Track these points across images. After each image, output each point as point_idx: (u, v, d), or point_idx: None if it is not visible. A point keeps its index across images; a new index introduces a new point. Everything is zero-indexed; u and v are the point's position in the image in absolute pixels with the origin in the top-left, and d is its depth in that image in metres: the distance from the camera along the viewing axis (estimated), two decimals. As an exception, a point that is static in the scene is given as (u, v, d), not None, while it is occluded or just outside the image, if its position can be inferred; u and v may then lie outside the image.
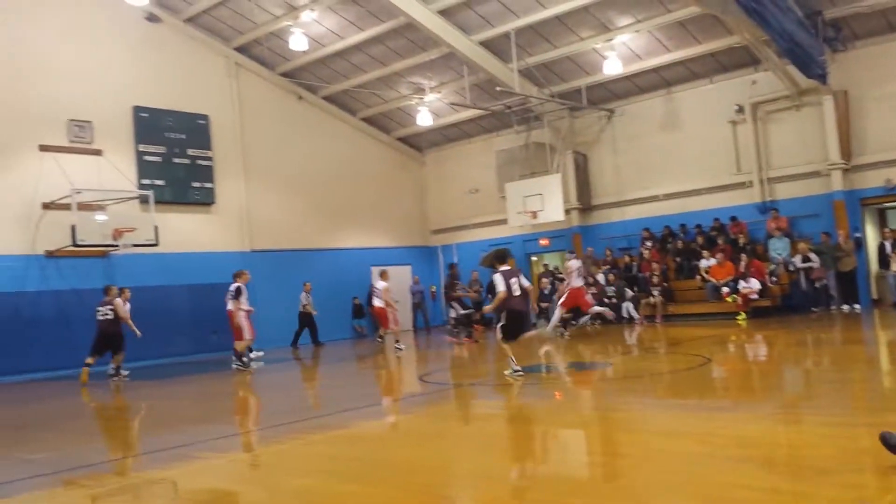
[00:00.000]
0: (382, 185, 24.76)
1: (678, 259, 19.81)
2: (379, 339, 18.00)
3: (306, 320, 20.22)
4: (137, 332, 14.52)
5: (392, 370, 13.98)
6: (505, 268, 10.59)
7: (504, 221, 22.45)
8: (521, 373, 9.81)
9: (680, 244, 19.93)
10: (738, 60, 19.04)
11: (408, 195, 25.77)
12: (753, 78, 19.03)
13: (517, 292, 10.15)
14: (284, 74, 22.40)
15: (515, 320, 10.21)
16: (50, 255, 17.29)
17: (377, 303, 16.75)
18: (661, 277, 18.96)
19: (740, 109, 19.18)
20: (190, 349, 17.44)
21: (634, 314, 18.90)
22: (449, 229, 25.56)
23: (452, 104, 22.44)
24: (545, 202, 20.64)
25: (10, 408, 12.02)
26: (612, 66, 19.13)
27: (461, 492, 4.91)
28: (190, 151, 20.03)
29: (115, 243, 16.94)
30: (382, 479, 5.21)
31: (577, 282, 15.95)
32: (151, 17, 19.76)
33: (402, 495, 4.72)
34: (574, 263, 16.36)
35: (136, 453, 7.37)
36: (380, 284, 16.55)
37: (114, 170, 18.12)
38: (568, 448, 6.27)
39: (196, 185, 20.11)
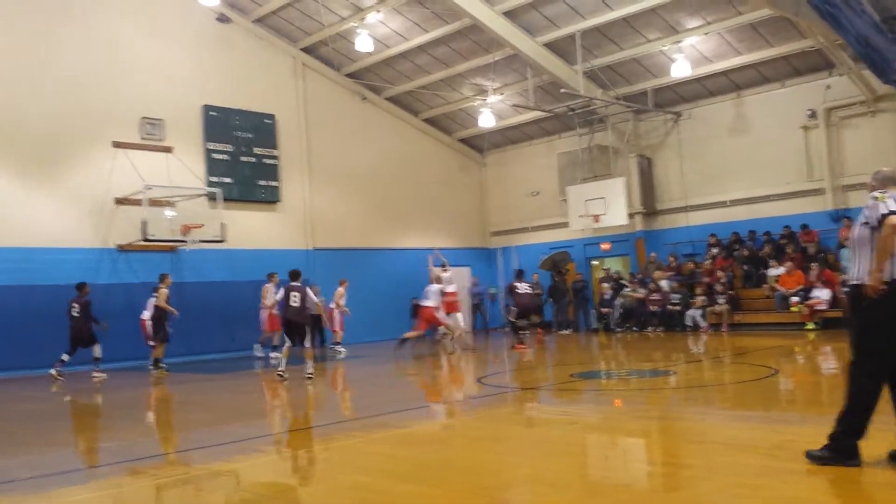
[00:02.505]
0: (443, 186, 24.82)
1: (745, 267, 19.34)
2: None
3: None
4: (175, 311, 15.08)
5: (450, 372, 13.99)
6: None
7: (565, 224, 22.29)
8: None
9: (747, 252, 19.44)
10: (811, 64, 18.50)
11: (468, 196, 25.77)
12: (827, 82, 18.45)
13: None
14: (349, 75, 22.65)
15: None
16: (121, 248, 17.83)
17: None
18: (727, 285, 18.54)
19: (813, 114, 18.63)
20: (253, 343, 17.71)
21: (700, 322, 18.55)
22: (509, 231, 25.47)
23: (515, 106, 22.35)
24: (607, 206, 20.42)
25: (82, 396, 12.40)
26: (680, 69, 18.79)
27: (519, 497, 4.87)
28: (256, 150, 20.42)
29: (183, 239, 17.38)
30: (439, 481, 5.20)
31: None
32: (222, 18, 20.21)
33: (459, 497, 4.71)
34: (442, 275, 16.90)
35: (199, 445, 7.52)
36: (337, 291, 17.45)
37: (183, 167, 18.60)
38: (629, 456, 6.16)
39: (262, 183, 20.49)
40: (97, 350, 14.60)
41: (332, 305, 17.55)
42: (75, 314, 14.49)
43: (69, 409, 10.96)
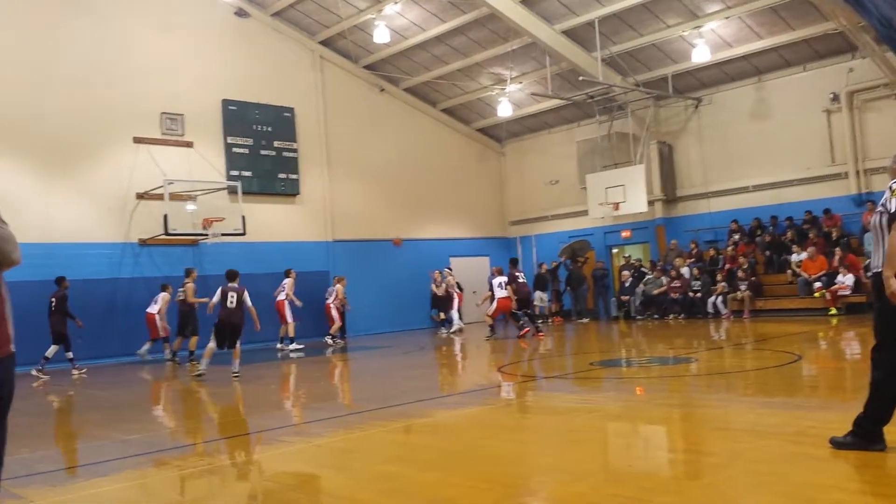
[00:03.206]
0: (462, 176, 24.81)
1: (767, 252, 19.18)
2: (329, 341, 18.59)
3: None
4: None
5: (470, 361, 14.02)
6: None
7: (584, 213, 22.20)
8: None
9: (769, 237, 19.28)
10: (833, 47, 18.26)
11: (487, 186, 25.74)
12: (850, 65, 18.22)
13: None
14: (367, 67, 22.66)
15: None
16: (143, 243, 18.02)
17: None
18: (748, 271, 18.41)
19: (835, 98, 18.40)
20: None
21: (721, 309, 18.45)
22: (528, 220, 25.42)
23: (533, 94, 22.26)
24: (627, 193, 20.31)
25: (108, 389, 12.57)
26: (701, 54, 18.61)
27: (544, 484, 4.88)
28: (276, 143, 20.52)
29: (204, 232, 17.52)
30: (462, 469, 5.23)
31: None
32: (240, 13, 20.29)
33: (482, 485, 4.73)
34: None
35: (223, 436, 7.61)
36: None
37: (204, 161, 18.74)
38: (650, 444, 6.16)
39: (282, 176, 20.60)
40: (51, 350, 14.46)
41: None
42: (53, 308, 14.55)
43: (91, 402, 11.11)
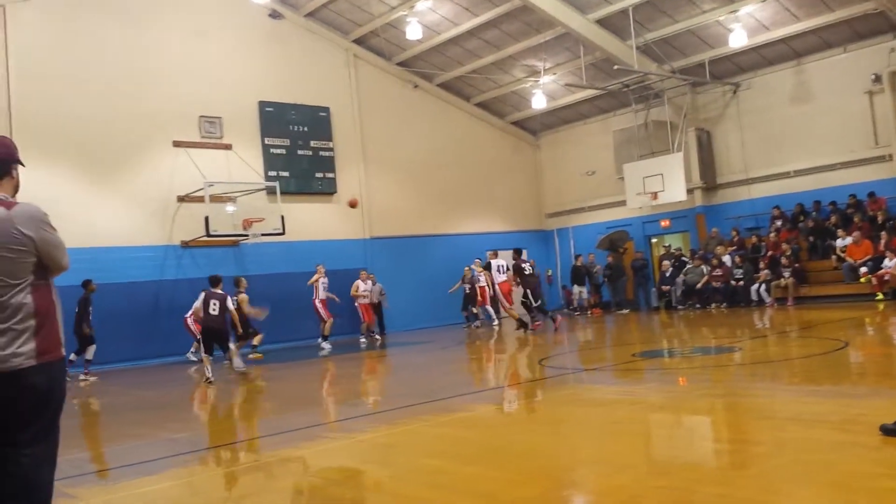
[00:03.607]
0: (497, 170, 24.75)
1: (811, 238, 18.82)
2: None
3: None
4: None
5: (510, 355, 14.00)
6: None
7: (622, 203, 22.01)
8: None
9: (812, 223, 18.91)
10: (874, 27, 17.83)
11: (522, 179, 25.65)
12: (891, 45, 17.77)
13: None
14: (400, 64, 22.72)
15: None
16: (185, 245, 18.32)
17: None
18: (792, 258, 18.09)
19: (877, 79, 17.97)
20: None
21: (765, 297, 18.17)
22: (564, 212, 25.28)
23: (568, 85, 22.11)
24: (666, 182, 20.10)
25: (154, 389, 12.82)
26: (738, 38, 18.30)
27: (585, 477, 4.87)
28: (312, 143, 20.70)
29: (244, 233, 17.75)
30: (506, 462, 5.24)
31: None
32: (274, 14, 20.48)
33: (525, 479, 4.73)
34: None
35: (267, 433, 7.71)
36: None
37: (242, 163, 18.97)
38: (694, 435, 6.09)
39: (318, 175, 20.77)
40: (90, 352, 14.35)
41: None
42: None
43: (138, 402, 11.33)
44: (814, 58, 19.25)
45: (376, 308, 19.69)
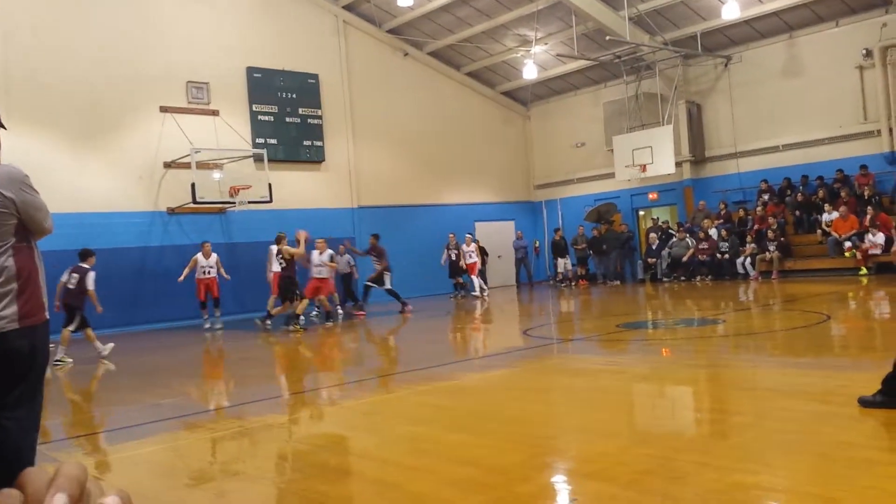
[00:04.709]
0: (487, 140, 24.66)
1: (797, 212, 18.91)
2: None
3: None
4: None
5: (495, 325, 14.07)
6: None
7: (611, 175, 21.99)
8: None
9: (799, 197, 18.99)
10: (866, 2, 17.77)
11: (512, 150, 25.57)
12: (883, 20, 17.72)
13: None
14: (391, 31, 22.49)
15: None
16: (171, 211, 18.19)
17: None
18: (778, 232, 18.19)
19: (868, 54, 17.94)
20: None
21: (750, 270, 18.29)
22: (553, 184, 25.26)
23: (559, 56, 21.97)
24: (655, 155, 20.08)
25: (139, 356, 12.81)
26: (730, 11, 18.19)
27: (569, 444, 4.92)
28: (301, 110, 20.50)
29: (231, 200, 17.63)
30: (490, 430, 5.28)
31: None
32: (262, -22, 20.17)
33: (509, 446, 4.78)
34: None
35: (254, 399, 7.74)
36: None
37: (229, 129, 18.79)
38: (677, 404, 6.17)
39: (307, 143, 20.61)
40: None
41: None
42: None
43: (125, 368, 11.32)
44: (806, 31, 19.19)
45: (346, 279, 19.00)
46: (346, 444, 5.53)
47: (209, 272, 15.93)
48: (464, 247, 20.25)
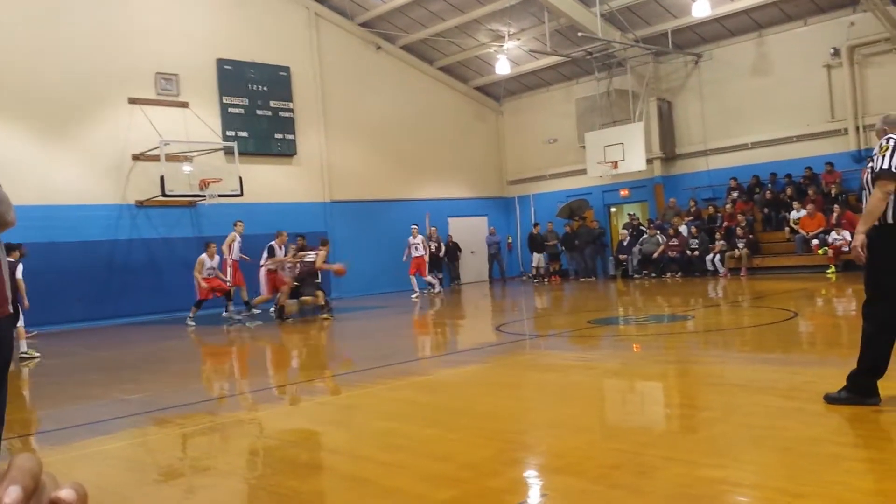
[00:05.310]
0: (459, 136, 24.65)
1: (766, 210, 19.17)
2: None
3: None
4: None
5: (468, 321, 14.09)
6: None
7: (583, 172, 22.11)
8: None
9: (768, 194, 19.24)
10: (834, 1, 18.04)
11: (484, 145, 25.60)
12: (851, 19, 18.00)
13: None
14: (363, 24, 22.37)
15: None
16: (140, 204, 17.96)
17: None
18: (746, 229, 18.41)
19: (836, 53, 18.22)
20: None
21: (719, 267, 18.50)
22: (526, 180, 25.34)
23: (532, 51, 22.00)
24: (626, 152, 20.22)
25: (106, 350, 12.65)
26: (700, 8, 18.33)
27: (539, 439, 4.95)
28: (272, 103, 20.33)
29: (201, 193, 17.45)
30: (462, 425, 5.30)
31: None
32: (233, -31, 19.95)
33: (481, 441, 4.79)
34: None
35: (225, 395, 7.68)
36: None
37: (199, 121, 18.59)
38: (646, 400, 6.23)
39: (278, 136, 20.45)
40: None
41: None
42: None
43: (92, 363, 11.18)
44: (775, 30, 19.43)
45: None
46: (317, 440, 5.51)
47: (214, 273, 15.55)
48: (410, 239, 19.67)
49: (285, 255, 14.97)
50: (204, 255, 15.34)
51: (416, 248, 19.61)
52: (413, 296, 19.08)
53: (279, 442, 5.38)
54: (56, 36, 16.96)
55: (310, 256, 14.80)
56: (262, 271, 15.26)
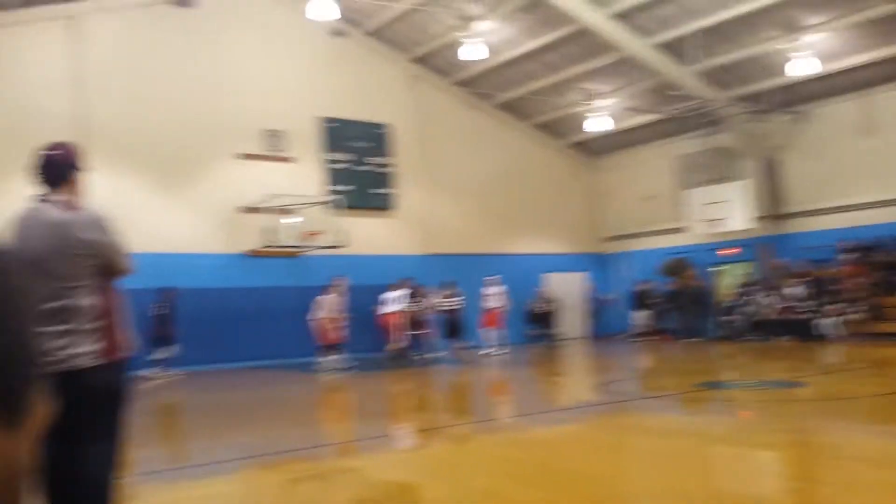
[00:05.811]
0: (554, 191, 24.60)
1: (882, 273, 18.14)
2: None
3: None
4: None
5: (572, 378, 13.82)
6: None
7: (682, 229, 21.60)
8: None
9: (885, 256, 18.23)
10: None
11: (580, 201, 25.42)
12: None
13: None
14: (460, 83, 22.81)
15: None
16: (250, 254, 18.64)
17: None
18: (864, 292, 17.43)
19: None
20: (372, 346, 18.06)
21: (834, 331, 17.54)
22: (623, 237, 24.93)
23: (627, 109, 21.86)
24: (729, 210, 19.69)
25: (221, 394, 12.99)
26: (802, 67, 17.81)
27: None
28: (373, 159, 20.95)
29: (305, 245, 18.01)
30: (563, 487, 5.15)
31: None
32: (336, 32, 20.78)
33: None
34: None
35: (330, 442, 7.72)
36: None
37: (304, 176, 19.30)
38: (758, 471, 5.89)
39: (378, 191, 21.00)
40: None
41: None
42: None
43: (204, 405, 11.47)
44: (883, 88, 18.61)
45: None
46: (416, 494, 5.46)
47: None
48: (484, 290, 18.80)
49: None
50: (333, 295, 15.59)
51: (488, 300, 18.66)
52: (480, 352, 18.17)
53: (380, 494, 5.36)
54: (171, 92, 18.07)
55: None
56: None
